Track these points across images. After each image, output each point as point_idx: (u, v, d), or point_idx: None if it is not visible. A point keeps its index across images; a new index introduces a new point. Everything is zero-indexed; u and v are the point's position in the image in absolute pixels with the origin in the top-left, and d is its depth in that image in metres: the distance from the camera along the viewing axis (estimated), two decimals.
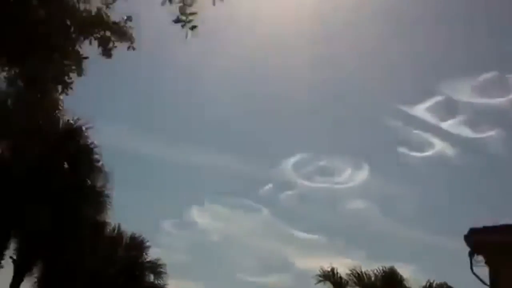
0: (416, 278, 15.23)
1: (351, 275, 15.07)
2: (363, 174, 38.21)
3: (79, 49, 7.93)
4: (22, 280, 16.52)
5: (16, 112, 15.75)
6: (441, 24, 31.80)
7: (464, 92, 36.98)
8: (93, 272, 18.08)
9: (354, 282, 15.06)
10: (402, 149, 38.15)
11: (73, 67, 7.89)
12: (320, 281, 15.03)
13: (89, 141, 17.56)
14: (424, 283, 14.59)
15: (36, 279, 17.93)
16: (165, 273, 19.98)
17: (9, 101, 16.48)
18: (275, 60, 30.57)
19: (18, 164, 16.07)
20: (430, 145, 38.55)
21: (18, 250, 16.40)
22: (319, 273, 15.11)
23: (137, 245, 20.14)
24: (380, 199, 37.68)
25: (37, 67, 7.72)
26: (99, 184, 17.56)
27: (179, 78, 32.14)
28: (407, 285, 14.67)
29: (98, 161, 17.49)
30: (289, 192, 40.18)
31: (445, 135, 37.02)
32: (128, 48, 7.97)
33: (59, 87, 8.04)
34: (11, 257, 16.20)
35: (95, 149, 17.55)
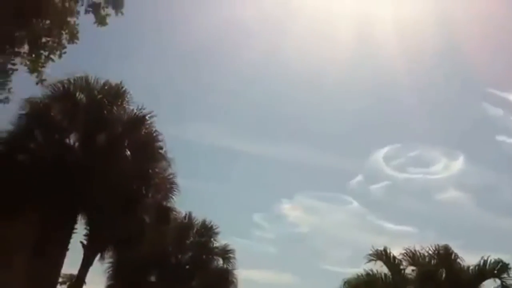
0: None
1: (405, 254, 14.13)
2: (458, 164, 35.94)
3: (75, 19, 8.39)
4: (91, 265, 17.36)
5: (84, 101, 16.97)
6: None
7: None
8: (162, 258, 18.76)
9: (408, 261, 14.08)
10: (501, 137, 35.08)
11: (67, 35, 8.36)
12: (370, 260, 14.19)
13: (153, 129, 18.21)
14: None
15: (110, 265, 18.90)
16: (234, 258, 20.20)
17: (78, 94, 17.85)
18: (360, 48, 29.49)
19: (86, 152, 17.24)
20: None
21: (88, 236, 17.07)
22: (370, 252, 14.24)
23: (207, 231, 20.62)
24: (476, 189, 35.17)
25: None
26: (162, 171, 18.15)
27: (269, 75, 32.39)
28: (461, 263, 13.34)
29: (161, 148, 18.09)
30: (380, 184, 39.01)
31: None
32: (117, 13, 8.23)
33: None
34: (81, 242, 16.93)
35: (158, 137, 18.16)
